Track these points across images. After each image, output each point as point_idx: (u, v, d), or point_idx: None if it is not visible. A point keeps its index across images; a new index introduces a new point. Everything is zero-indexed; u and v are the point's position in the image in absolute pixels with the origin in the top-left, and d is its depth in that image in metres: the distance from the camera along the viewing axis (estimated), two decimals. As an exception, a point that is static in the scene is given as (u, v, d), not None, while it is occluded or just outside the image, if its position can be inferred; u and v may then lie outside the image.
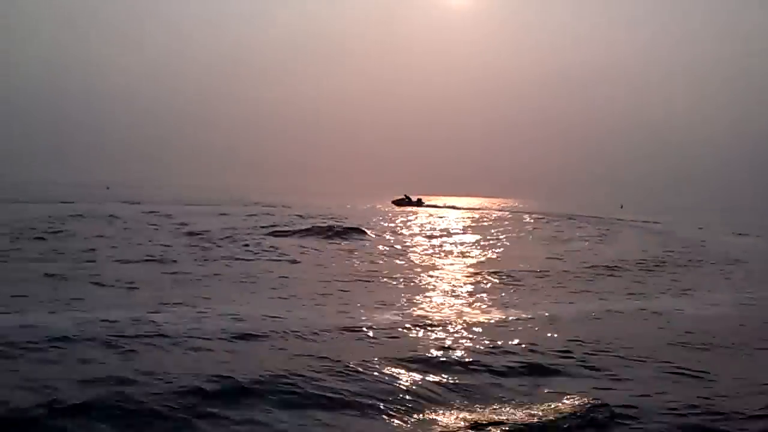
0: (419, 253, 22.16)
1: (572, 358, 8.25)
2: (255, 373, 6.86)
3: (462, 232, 35.52)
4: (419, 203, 75.58)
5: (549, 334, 9.59)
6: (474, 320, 10.31)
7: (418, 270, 17.16)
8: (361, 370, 7.20)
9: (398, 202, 74.85)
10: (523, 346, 8.67)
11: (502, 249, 25.06)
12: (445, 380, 7.05)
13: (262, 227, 30.40)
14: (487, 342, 8.87)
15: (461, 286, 14.38)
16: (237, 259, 18.02)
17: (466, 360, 7.84)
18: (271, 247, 21.64)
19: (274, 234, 26.68)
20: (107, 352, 7.69)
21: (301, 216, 41.94)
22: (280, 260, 18.20)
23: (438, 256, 21.74)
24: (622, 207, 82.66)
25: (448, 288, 14.18)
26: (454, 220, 50.87)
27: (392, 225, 39.03)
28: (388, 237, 28.81)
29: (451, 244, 27.12)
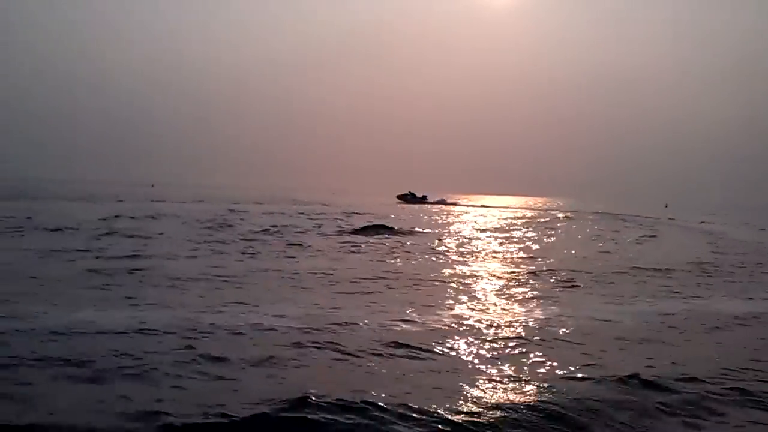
0: (472, 253, 22.17)
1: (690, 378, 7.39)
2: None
3: (506, 231, 35.32)
4: (424, 200, 74.69)
5: (636, 344, 9.23)
6: (557, 328, 10.09)
7: (477, 271, 17.16)
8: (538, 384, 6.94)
9: (403, 198, 74.49)
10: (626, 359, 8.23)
11: (550, 249, 24.75)
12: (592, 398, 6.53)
13: (316, 226, 31.10)
14: (574, 353, 8.57)
15: (528, 289, 14.14)
16: (294, 257, 18.41)
17: (580, 376, 7.37)
18: (340, 244, 22.27)
19: (326, 234, 27.23)
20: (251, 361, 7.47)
21: (347, 213, 42.56)
22: (342, 259, 18.58)
23: (490, 255, 21.71)
24: (666, 206, 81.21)
25: (514, 290, 13.90)
26: (495, 219, 50.77)
27: (439, 224, 39.28)
28: (437, 236, 28.96)
29: (498, 243, 26.94)
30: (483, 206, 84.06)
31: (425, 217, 47.28)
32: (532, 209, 78.97)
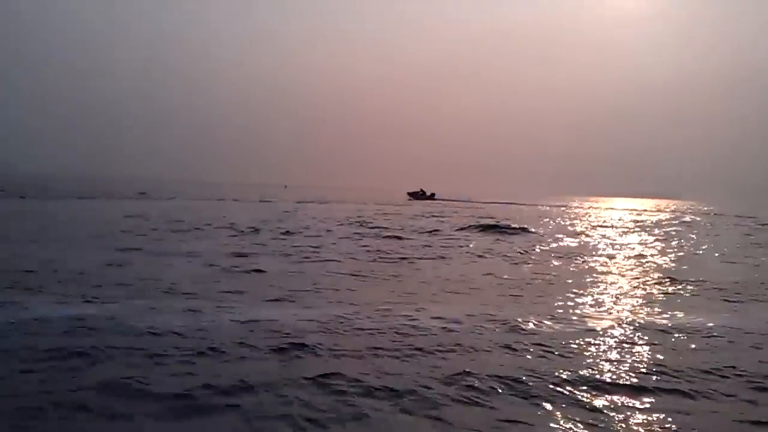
0: (598, 256, 21.28)
1: None
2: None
3: (633, 233, 34.01)
4: (432, 197, 77.31)
5: None
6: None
7: (619, 277, 16.32)
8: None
9: (413, 195, 78.13)
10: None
11: (692, 254, 23.30)
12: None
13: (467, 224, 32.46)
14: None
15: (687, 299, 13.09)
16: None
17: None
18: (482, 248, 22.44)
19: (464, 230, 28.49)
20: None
21: (474, 216, 43.18)
22: (485, 259, 18.95)
23: (619, 259, 20.69)
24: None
25: (664, 298, 13.01)
26: (619, 221, 49.14)
27: (556, 224, 38.56)
28: (561, 236, 28.45)
29: (623, 246, 25.70)
30: (610, 208, 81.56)
31: (544, 218, 46.78)
32: (663, 211, 74.75)
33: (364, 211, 45.49)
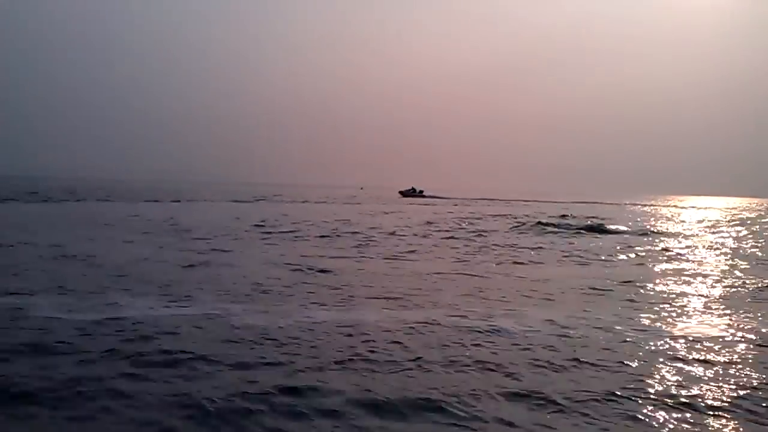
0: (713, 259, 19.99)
1: None
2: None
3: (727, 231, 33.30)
4: (421, 194, 79.84)
5: None
6: None
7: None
8: None
9: (404, 193, 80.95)
10: None
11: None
12: None
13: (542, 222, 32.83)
14: None
15: None
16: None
17: None
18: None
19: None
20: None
21: (565, 216, 42.84)
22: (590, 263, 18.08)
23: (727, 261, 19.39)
24: None
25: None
26: (714, 219, 47.60)
27: (648, 223, 37.69)
28: (659, 237, 28.17)
29: (723, 245, 24.87)
30: (692, 207, 79.19)
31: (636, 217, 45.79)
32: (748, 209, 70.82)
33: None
